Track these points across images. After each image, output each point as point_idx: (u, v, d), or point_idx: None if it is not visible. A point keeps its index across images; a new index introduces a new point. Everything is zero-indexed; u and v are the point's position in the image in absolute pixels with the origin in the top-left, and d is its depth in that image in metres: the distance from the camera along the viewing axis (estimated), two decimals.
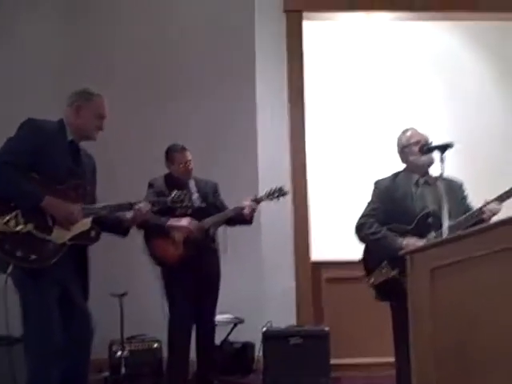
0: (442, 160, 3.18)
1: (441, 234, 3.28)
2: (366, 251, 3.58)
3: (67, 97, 3.26)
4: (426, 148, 3.34)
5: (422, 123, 5.32)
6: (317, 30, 5.59)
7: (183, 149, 4.46)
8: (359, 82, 5.66)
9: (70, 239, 3.09)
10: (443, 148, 3.20)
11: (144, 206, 3.32)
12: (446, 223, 3.12)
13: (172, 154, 4.47)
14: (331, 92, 5.64)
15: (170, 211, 4.18)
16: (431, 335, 2.56)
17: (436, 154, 3.30)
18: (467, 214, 3.37)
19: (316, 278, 5.23)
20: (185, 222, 4.29)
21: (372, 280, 3.46)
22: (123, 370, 4.60)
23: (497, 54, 5.74)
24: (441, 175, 3.16)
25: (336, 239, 5.09)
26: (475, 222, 3.29)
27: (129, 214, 3.34)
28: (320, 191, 5.49)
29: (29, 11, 5.31)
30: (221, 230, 4.49)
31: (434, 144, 3.34)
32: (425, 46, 5.71)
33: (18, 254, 2.93)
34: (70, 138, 3.20)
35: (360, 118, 5.64)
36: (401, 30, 5.70)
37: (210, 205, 4.48)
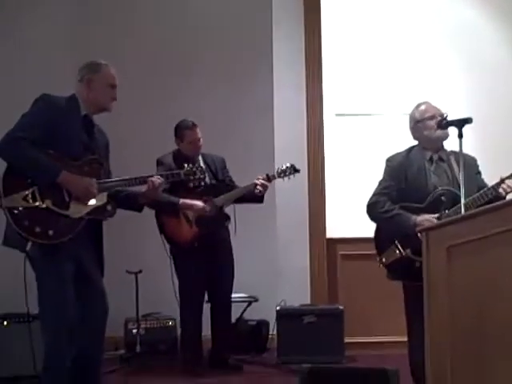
0: (460, 135, 3.11)
1: (454, 212, 3.23)
2: (377, 230, 3.52)
3: (77, 72, 3.22)
4: (445, 123, 3.25)
5: (439, 96, 5.26)
6: (334, 3, 5.49)
7: (194, 126, 4.40)
8: (377, 55, 5.56)
9: (87, 213, 3.08)
10: (461, 123, 3.13)
11: (156, 179, 3.29)
12: (463, 199, 3.06)
13: (182, 131, 4.41)
14: (349, 65, 5.55)
15: (183, 189, 4.16)
16: (447, 314, 2.52)
17: (453, 129, 3.22)
18: (482, 190, 3.29)
19: (331, 254, 5.21)
20: (198, 202, 4.27)
21: (384, 259, 3.42)
22: (138, 348, 4.64)
23: None
24: (460, 151, 3.08)
25: (352, 216, 5.04)
26: (490, 199, 3.22)
27: (143, 189, 3.31)
28: (336, 168, 5.44)
29: (35, 10, 5.25)
30: (229, 209, 4.46)
31: (451, 119, 3.25)
32: (441, 16, 5.58)
33: (37, 229, 2.92)
34: (83, 112, 3.18)
35: (377, 92, 5.55)
36: (418, 1, 5.59)
37: (221, 181, 4.44)
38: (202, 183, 4.01)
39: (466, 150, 3.16)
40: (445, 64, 5.59)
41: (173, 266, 4.39)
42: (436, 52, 5.59)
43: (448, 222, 2.64)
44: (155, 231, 4.41)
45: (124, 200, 3.27)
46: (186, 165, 3.54)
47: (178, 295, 4.36)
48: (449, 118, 3.28)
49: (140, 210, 3.39)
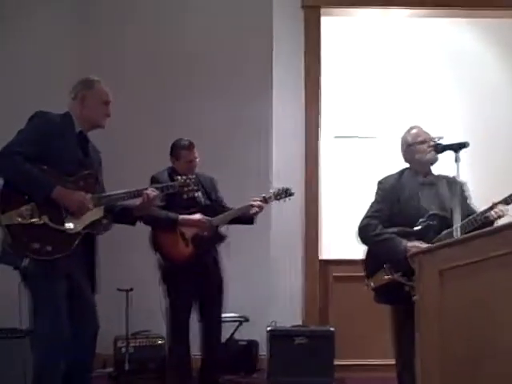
0: (456, 159, 3.12)
1: (445, 237, 3.23)
2: (367, 253, 3.52)
3: (69, 90, 3.25)
4: (442, 146, 3.26)
5: (437, 121, 5.30)
6: (334, 25, 5.54)
7: (191, 146, 4.38)
8: (375, 78, 5.60)
9: (84, 228, 3.09)
10: (458, 147, 3.14)
11: (151, 192, 3.29)
12: (456, 224, 3.05)
13: (179, 150, 4.39)
14: (348, 88, 5.58)
15: (178, 208, 4.17)
16: (439, 338, 2.51)
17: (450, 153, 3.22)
18: (472, 216, 3.31)
19: (324, 275, 5.19)
20: (198, 216, 4.25)
21: (372, 283, 3.40)
22: (127, 366, 4.60)
23: None
24: (457, 175, 3.09)
25: (346, 238, 5.02)
26: (480, 225, 3.22)
27: (137, 202, 3.32)
28: (332, 189, 5.44)
29: (35, 11, 5.28)
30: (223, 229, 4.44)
31: (448, 143, 3.26)
32: (441, 42, 5.64)
33: (35, 246, 2.93)
34: (78, 129, 3.20)
35: (375, 114, 5.58)
36: (417, 26, 5.64)
37: (214, 201, 4.44)
38: (196, 195, 4.02)
39: (463, 175, 3.17)
40: (443, 89, 5.63)
41: (161, 286, 4.36)
42: (435, 77, 5.63)
43: (440, 245, 2.64)
44: (147, 249, 4.38)
45: (119, 214, 3.28)
46: (179, 177, 3.55)
47: (165, 314, 4.32)
48: (445, 143, 3.29)
49: (133, 223, 3.40)
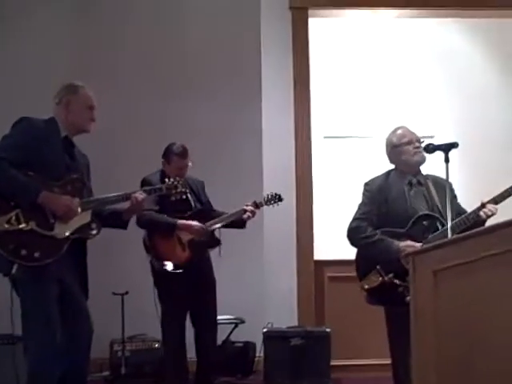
0: (446, 160, 3.14)
1: (437, 237, 3.25)
2: (358, 255, 3.53)
3: (53, 95, 3.24)
4: (432, 147, 3.28)
5: (427, 120, 5.33)
6: (322, 27, 5.56)
7: (184, 153, 4.35)
8: (364, 79, 5.63)
9: (72, 233, 3.07)
10: (448, 147, 3.16)
11: (139, 195, 3.29)
12: (449, 223, 3.08)
13: (172, 155, 4.37)
14: (337, 89, 5.60)
15: (172, 214, 4.19)
16: (434, 342, 2.50)
17: (439, 154, 3.25)
18: (464, 215, 3.33)
19: (319, 276, 5.21)
20: (196, 223, 4.27)
21: (366, 286, 3.41)
22: (123, 370, 4.60)
23: (503, 51, 5.69)
24: (446, 175, 3.11)
25: (339, 238, 5.04)
26: (472, 224, 3.25)
27: (126, 206, 3.32)
28: (324, 190, 5.46)
29: (35, 11, 5.27)
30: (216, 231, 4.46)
31: (438, 143, 3.28)
32: (430, 43, 5.67)
33: (23, 252, 2.91)
34: (63, 134, 3.19)
35: (365, 115, 5.60)
36: (406, 27, 5.68)
37: (205, 205, 4.45)
38: (184, 197, 4.03)
39: (452, 175, 3.19)
40: (433, 88, 5.66)
41: (155, 289, 4.36)
42: (424, 76, 5.67)
43: (434, 246, 2.64)
44: (142, 252, 4.38)
45: (108, 217, 3.27)
46: (166, 179, 3.56)
47: (160, 318, 4.32)
48: (435, 143, 3.31)
49: (124, 227, 3.39)
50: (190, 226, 4.25)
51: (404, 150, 3.50)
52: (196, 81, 5.30)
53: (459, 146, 3.20)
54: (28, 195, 2.98)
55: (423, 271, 2.58)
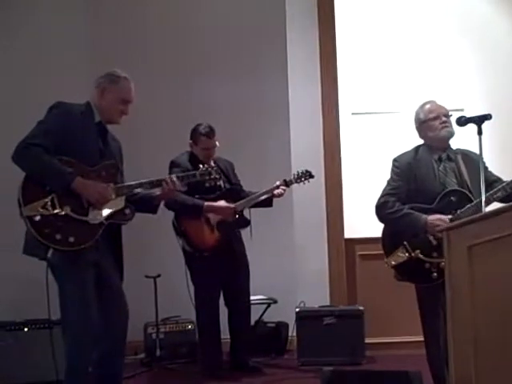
0: (479, 132, 3.07)
1: (467, 211, 3.23)
2: (384, 231, 3.50)
3: (95, 79, 3.24)
4: (464, 120, 3.21)
5: (454, 93, 5.23)
6: (348, 2, 5.47)
7: (211, 133, 4.36)
8: (391, 53, 5.53)
9: (106, 218, 3.09)
10: (481, 120, 3.10)
11: (172, 181, 3.29)
12: (483, 197, 3.02)
13: (199, 136, 4.38)
14: (364, 64, 5.51)
15: (200, 195, 4.18)
16: (470, 314, 2.48)
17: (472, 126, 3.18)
18: (501, 185, 3.27)
19: (350, 255, 5.19)
20: (223, 203, 4.26)
21: (392, 262, 3.39)
22: (158, 352, 4.64)
23: None
24: (479, 148, 3.05)
25: (370, 216, 5.01)
26: (506, 196, 3.21)
27: (158, 191, 3.32)
28: (353, 167, 5.41)
29: (48, 10, 5.26)
30: (245, 212, 4.46)
31: (470, 116, 3.21)
32: (458, 14, 5.55)
33: (58, 237, 2.94)
34: (97, 119, 3.19)
35: (392, 90, 5.52)
36: None
37: (235, 185, 4.45)
38: (218, 183, 4.03)
39: (483, 147, 3.13)
40: (460, 60, 5.55)
41: (187, 271, 4.38)
42: (451, 49, 5.55)
43: (469, 220, 2.59)
44: (173, 235, 4.40)
45: (138, 202, 3.27)
46: (201, 165, 3.56)
47: (193, 300, 4.35)
48: (467, 115, 3.24)
49: (155, 211, 3.39)
50: (217, 207, 4.25)
51: (431, 126, 3.45)
52: (219, 61, 5.27)
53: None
54: (62, 181, 2.99)
55: (457, 246, 2.55)
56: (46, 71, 5.11)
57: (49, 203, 2.96)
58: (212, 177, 3.51)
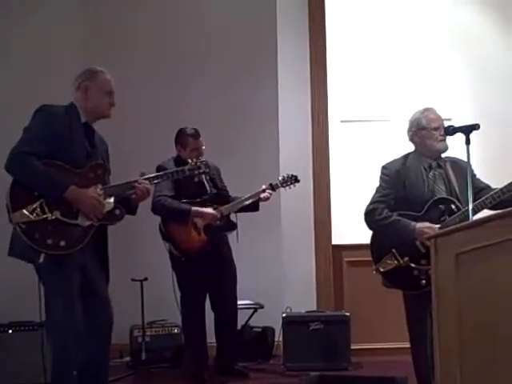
0: (467, 142, 3.11)
1: (454, 219, 3.26)
2: (373, 238, 3.52)
3: (73, 80, 3.24)
4: (452, 129, 3.24)
5: (443, 102, 5.26)
6: (339, 9, 5.49)
7: (198, 134, 4.39)
8: (381, 61, 5.55)
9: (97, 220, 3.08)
10: (469, 129, 3.12)
11: (143, 185, 3.22)
12: (470, 205, 3.05)
13: (185, 138, 4.39)
14: (354, 71, 5.53)
15: (187, 199, 4.19)
16: (456, 321, 2.50)
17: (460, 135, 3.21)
18: (490, 193, 3.30)
19: (337, 261, 5.20)
20: (210, 210, 4.27)
21: (381, 269, 3.40)
22: (144, 355, 4.63)
23: None
24: (467, 157, 3.08)
25: (357, 222, 5.03)
26: (495, 204, 3.24)
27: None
28: (341, 174, 5.43)
29: (47, 9, 5.24)
30: (232, 216, 4.46)
31: (459, 125, 3.24)
32: (446, 22, 5.58)
33: (49, 241, 2.93)
34: (83, 120, 3.19)
35: (382, 98, 5.54)
36: (423, 6, 5.59)
37: (221, 190, 4.46)
38: (208, 177, 4.10)
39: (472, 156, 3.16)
40: (449, 70, 5.59)
41: (174, 274, 4.38)
42: (441, 58, 5.59)
43: (457, 228, 2.62)
44: (160, 238, 4.39)
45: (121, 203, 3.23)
46: (189, 160, 3.56)
47: (179, 303, 4.34)
48: (456, 125, 3.28)
49: (134, 213, 3.34)
50: (204, 213, 4.25)
51: (431, 135, 3.45)
52: (209, 65, 5.26)
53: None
54: (54, 192, 2.99)
55: (445, 254, 2.57)
56: (46, 71, 5.10)
57: (38, 208, 2.94)
58: (201, 171, 3.52)
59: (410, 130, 3.55)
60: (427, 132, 3.46)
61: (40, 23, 5.22)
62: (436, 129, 3.45)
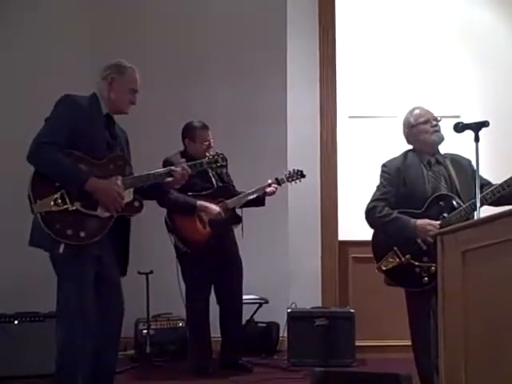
0: (476, 139, 3.09)
1: (455, 216, 3.26)
2: (374, 236, 3.52)
3: (101, 69, 3.23)
4: (461, 126, 3.22)
5: (452, 98, 5.24)
6: (348, 6, 5.48)
7: (205, 126, 4.39)
8: (390, 57, 5.53)
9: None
10: (478, 126, 3.11)
11: (183, 170, 3.28)
12: (478, 203, 3.03)
13: (194, 131, 4.39)
14: (362, 67, 5.52)
15: (192, 192, 4.19)
16: (462, 319, 2.49)
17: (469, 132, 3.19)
18: (493, 186, 3.28)
19: (343, 257, 5.19)
20: (215, 206, 4.26)
21: (383, 266, 3.40)
22: (148, 348, 4.63)
23: None
24: (476, 155, 3.06)
25: (364, 219, 5.02)
26: (495, 200, 3.22)
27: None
28: (349, 170, 5.41)
29: (52, 10, 5.25)
30: (238, 211, 4.47)
31: (468, 122, 3.22)
32: (455, 18, 5.55)
33: (69, 232, 2.94)
34: (105, 111, 3.19)
35: (390, 94, 5.52)
36: (431, 2, 5.56)
37: (227, 183, 4.45)
38: (224, 170, 4.12)
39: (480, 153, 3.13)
40: (458, 66, 5.56)
41: (179, 267, 4.38)
42: (450, 54, 5.56)
43: (464, 226, 2.60)
44: (166, 231, 4.39)
45: (147, 190, 3.26)
46: (207, 154, 3.60)
47: (184, 297, 4.35)
48: (464, 122, 3.26)
49: (163, 198, 3.47)
50: (208, 209, 4.25)
51: (422, 129, 3.47)
52: (217, 61, 5.27)
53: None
54: (76, 182, 2.99)
55: (452, 252, 2.56)
56: (45, 71, 5.10)
57: (59, 199, 2.95)
58: (219, 164, 3.53)
59: (403, 132, 3.59)
60: (417, 128, 3.49)
61: (40, 23, 5.23)
62: (425, 122, 3.47)
